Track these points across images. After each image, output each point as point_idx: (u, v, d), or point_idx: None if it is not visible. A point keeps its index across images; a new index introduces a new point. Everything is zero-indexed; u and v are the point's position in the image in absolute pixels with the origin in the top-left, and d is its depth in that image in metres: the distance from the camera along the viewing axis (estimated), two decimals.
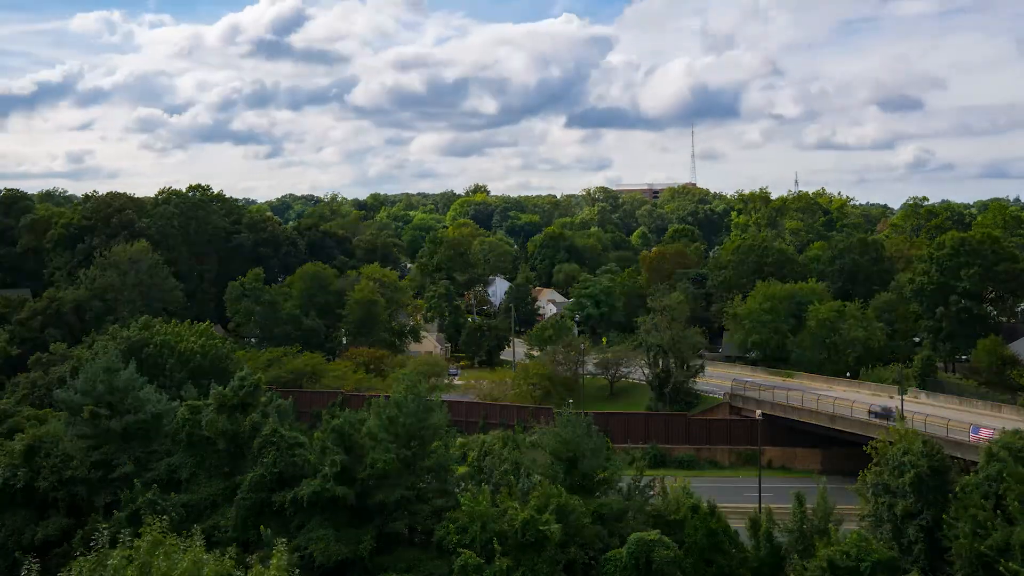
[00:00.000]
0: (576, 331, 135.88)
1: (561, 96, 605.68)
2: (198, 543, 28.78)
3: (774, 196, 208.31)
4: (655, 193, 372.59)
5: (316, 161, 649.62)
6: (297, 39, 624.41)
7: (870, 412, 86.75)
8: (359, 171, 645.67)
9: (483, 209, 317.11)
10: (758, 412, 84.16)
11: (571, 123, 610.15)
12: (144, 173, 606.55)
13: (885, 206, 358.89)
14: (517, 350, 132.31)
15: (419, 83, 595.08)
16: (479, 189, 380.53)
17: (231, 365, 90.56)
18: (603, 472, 57.11)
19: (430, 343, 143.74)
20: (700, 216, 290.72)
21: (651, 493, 57.02)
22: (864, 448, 61.06)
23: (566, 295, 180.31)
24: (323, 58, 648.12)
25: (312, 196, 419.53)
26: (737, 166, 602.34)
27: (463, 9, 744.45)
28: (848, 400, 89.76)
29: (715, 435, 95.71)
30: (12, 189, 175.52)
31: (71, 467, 56.89)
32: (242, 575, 29.46)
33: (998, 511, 47.34)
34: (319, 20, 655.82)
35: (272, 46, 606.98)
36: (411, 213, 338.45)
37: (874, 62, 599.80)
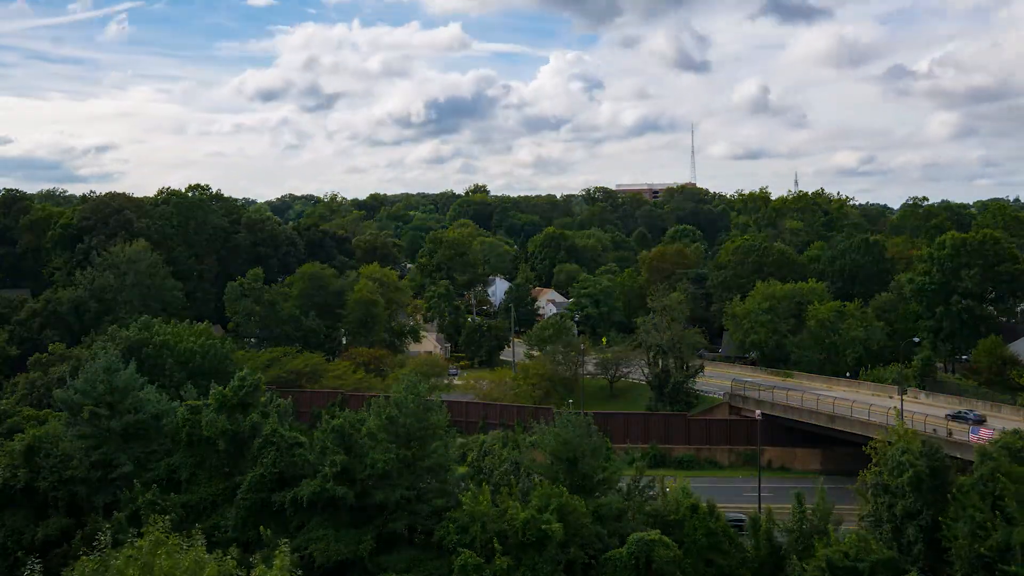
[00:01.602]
0: (576, 331, 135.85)
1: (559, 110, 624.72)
2: (199, 543, 28.80)
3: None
4: (655, 193, 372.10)
5: (318, 164, 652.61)
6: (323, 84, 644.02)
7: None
8: (359, 173, 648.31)
9: (483, 209, 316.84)
10: (758, 412, 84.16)
11: (570, 136, 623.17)
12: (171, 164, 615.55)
13: (884, 206, 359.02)
14: (517, 350, 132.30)
15: (423, 104, 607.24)
16: (479, 189, 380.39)
17: (231, 365, 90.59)
18: (603, 472, 57.18)
19: (430, 343, 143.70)
20: (700, 216, 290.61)
21: (651, 493, 57.09)
22: (864, 448, 61.10)
23: (566, 295, 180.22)
24: (342, 94, 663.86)
25: (312, 196, 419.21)
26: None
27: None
28: (848, 400, 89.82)
29: (715, 435, 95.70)
30: (12, 189, 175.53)
31: (71, 467, 56.89)
32: (243, 575, 29.48)
33: (996, 511, 47.34)
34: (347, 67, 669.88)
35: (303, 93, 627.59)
36: (411, 213, 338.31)
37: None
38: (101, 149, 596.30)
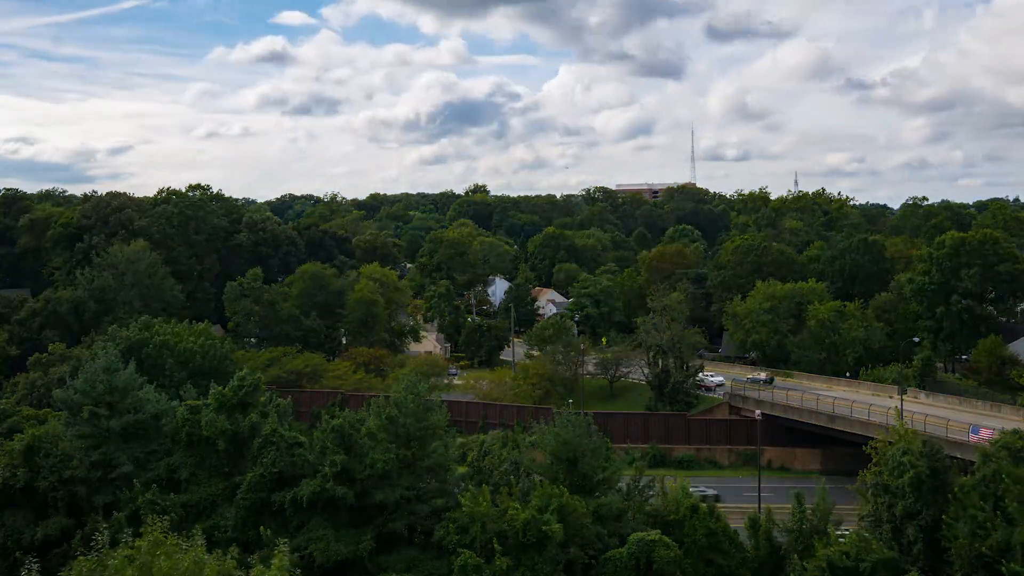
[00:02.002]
0: (576, 331, 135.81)
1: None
2: (199, 543, 28.78)
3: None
4: (655, 193, 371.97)
5: (319, 165, 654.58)
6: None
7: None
8: (359, 172, 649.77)
9: (483, 209, 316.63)
10: (757, 412, 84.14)
11: (568, 139, 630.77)
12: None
13: (884, 206, 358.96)
14: (517, 350, 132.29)
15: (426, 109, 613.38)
16: (479, 189, 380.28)
17: (231, 365, 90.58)
18: (603, 472, 57.14)
19: (430, 343, 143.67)
20: (700, 216, 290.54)
21: (651, 493, 57.05)
22: (864, 448, 61.07)
23: (566, 295, 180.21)
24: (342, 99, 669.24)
25: (312, 196, 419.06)
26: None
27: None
28: (848, 400, 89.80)
29: (715, 435, 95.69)
30: (12, 189, 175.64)
31: (71, 467, 56.84)
32: (243, 575, 29.46)
33: (997, 511, 47.31)
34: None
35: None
36: (411, 213, 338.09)
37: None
38: (117, 151, 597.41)
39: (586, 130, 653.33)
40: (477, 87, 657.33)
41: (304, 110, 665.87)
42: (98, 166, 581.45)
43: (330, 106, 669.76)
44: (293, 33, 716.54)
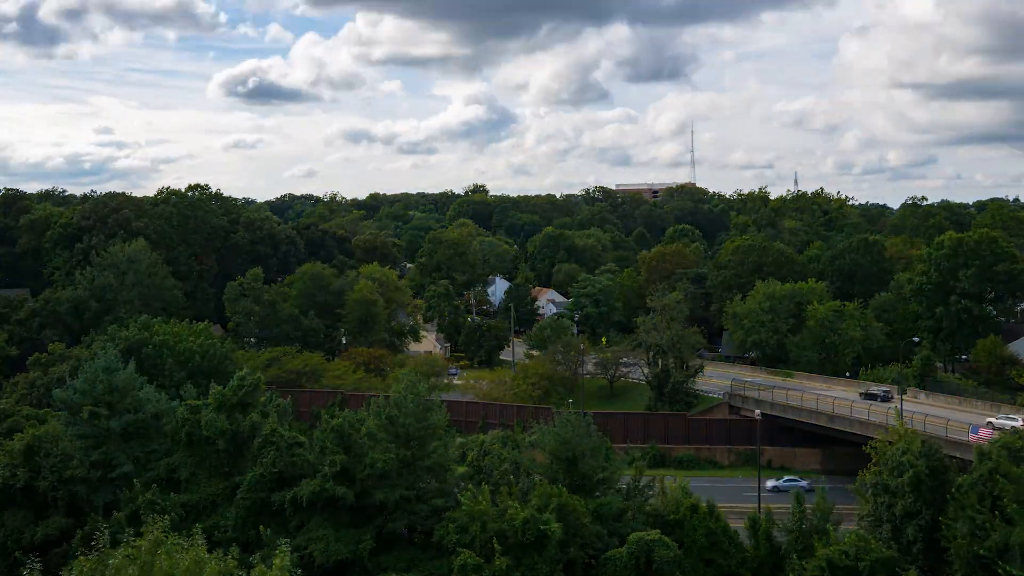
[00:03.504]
0: (575, 331, 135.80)
1: None
2: (199, 542, 28.83)
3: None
4: (655, 193, 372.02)
5: (319, 164, 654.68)
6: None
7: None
8: (360, 173, 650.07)
9: (482, 209, 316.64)
10: (757, 412, 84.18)
11: (566, 142, 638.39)
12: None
13: (884, 206, 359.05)
14: (517, 350, 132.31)
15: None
16: (478, 189, 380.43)
17: (231, 365, 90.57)
18: (603, 472, 57.19)
19: (430, 343, 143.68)
20: (700, 216, 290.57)
21: (651, 493, 57.10)
22: (863, 448, 61.13)
23: (565, 295, 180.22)
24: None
25: (311, 196, 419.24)
26: None
27: None
28: (848, 400, 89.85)
29: (715, 435, 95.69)
30: (11, 189, 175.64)
31: (71, 467, 56.86)
32: (244, 575, 29.51)
33: (996, 512, 47.33)
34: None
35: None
36: (410, 212, 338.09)
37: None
38: (163, 160, 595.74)
39: (578, 138, 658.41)
40: (478, 101, 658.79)
41: (305, 111, 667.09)
42: (103, 169, 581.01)
43: (330, 106, 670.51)
44: (289, 28, 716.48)
